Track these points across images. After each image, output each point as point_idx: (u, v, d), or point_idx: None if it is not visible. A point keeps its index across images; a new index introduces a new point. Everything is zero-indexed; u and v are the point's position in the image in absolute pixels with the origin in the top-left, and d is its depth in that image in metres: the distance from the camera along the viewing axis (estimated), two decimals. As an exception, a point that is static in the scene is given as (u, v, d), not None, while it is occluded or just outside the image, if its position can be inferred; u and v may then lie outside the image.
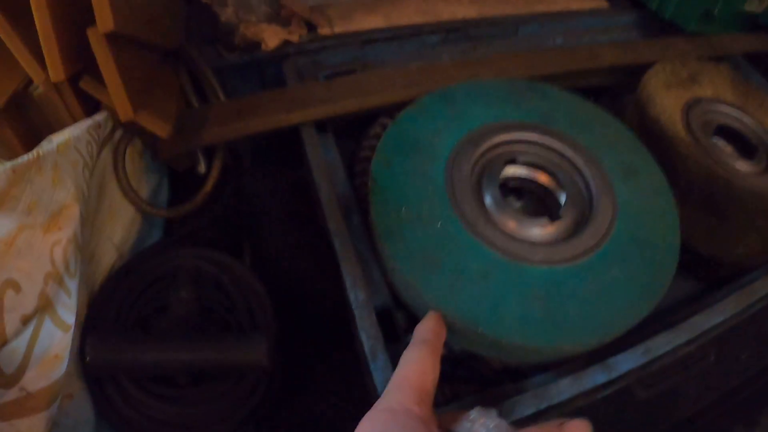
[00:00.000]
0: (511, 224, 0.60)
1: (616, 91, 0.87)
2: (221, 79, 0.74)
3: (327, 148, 0.69)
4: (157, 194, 0.74)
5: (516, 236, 0.59)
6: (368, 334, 0.55)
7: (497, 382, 0.61)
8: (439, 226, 0.57)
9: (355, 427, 0.43)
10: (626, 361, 0.57)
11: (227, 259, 0.66)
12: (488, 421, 0.44)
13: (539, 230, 0.60)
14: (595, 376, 0.56)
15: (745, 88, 0.84)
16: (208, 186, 0.70)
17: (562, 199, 0.64)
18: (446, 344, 0.59)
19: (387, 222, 0.58)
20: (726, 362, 0.78)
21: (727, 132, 0.79)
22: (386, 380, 0.53)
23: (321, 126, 0.70)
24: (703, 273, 0.76)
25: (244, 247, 0.73)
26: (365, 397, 0.65)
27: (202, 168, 0.71)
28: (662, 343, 0.59)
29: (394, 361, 0.55)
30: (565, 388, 0.54)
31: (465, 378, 0.65)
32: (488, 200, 0.61)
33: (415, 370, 0.46)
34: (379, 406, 0.44)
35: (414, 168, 0.62)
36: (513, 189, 0.67)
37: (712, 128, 0.78)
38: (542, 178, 0.67)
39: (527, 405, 0.53)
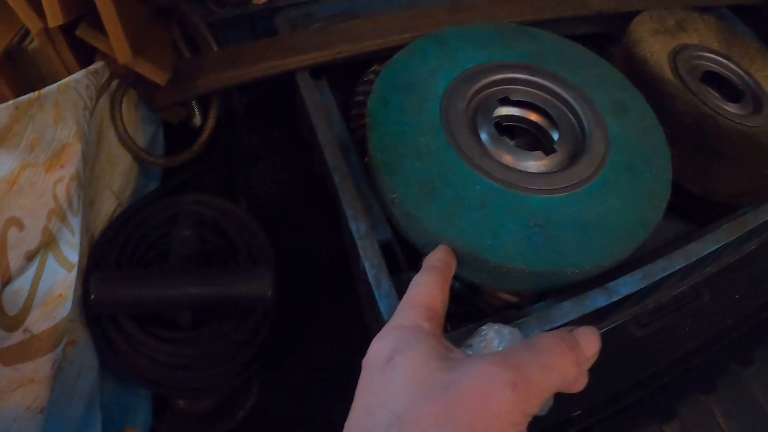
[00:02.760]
0: (507, 158, 0.60)
1: (604, 41, 0.89)
2: (213, 34, 0.74)
3: (322, 92, 0.69)
4: (153, 145, 0.74)
5: (513, 168, 0.60)
6: (372, 263, 0.55)
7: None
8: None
9: (354, 367, 0.42)
10: (625, 285, 0.58)
11: (225, 203, 0.66)
12: (502, 328, 0.44)
13: (535, 163, 0.61)
14: (596, 300, 0.56)
15: (731, 37, 0.86)
16: (205, 135, 0.70)
17: (555, 136, 0.65)
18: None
19: (386, 156, 0.59)
20: (720, 302, 0.80)
21: (713, 78, 0.81)
22: (392, 308, 0.54)
23: (315, 74, 0.71)
24: (694, 213, 0.77)
25: (240, 195, 0.73)
26: (365, 338, 0.66)
27: (197, 119, 0.71)
28: (659, 269, 0.59)
29: (399, 290, 0.55)
30: (568, 310, 0.55)
31: (468, 315, 0.66)
32: (484, 136, 0.62)
33: (423, 291, 0.46)
34: (389, 325, 0.43)
35: (410, 105, 0.62)
36: (507, 129, 0.68)
37: (698, 74, 0.79)
38: (535, 116, 0.67)
39: (530, 326, 0.54)
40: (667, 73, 0.75)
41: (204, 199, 0.66)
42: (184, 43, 0.74)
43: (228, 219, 0.65)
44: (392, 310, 0.53)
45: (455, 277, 0.57)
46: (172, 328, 0.61)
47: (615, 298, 0.57)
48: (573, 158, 0.63)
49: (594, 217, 0.58)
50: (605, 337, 0.72)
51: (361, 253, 0.56)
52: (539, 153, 0.61)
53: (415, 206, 0.55)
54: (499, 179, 0.58)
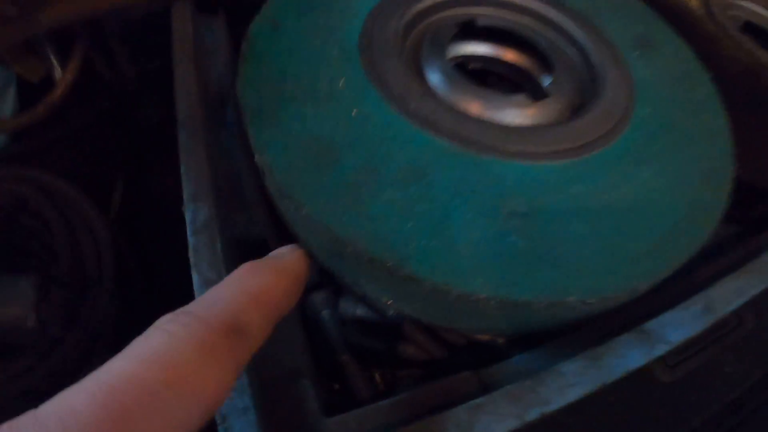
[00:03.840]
0: (466, 103, 0.27)
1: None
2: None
3: (212, 30, 0.37)
4: (-5, 107, 0.43)
5: (475, 118, 0.26)
6: (204, 277, 0.22)
7: (455, 367, 0.28)
8: (340, 85, 0.25)
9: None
10: (677, 325, 0.24)
11: (58, 183, 0.34)
12: None
13: (514, 112, 0.27)
14: (627, 355, 0.23)
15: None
16: (57, 93, 0.38)
17: (547, 82, 0.32)
18: (376, 306, 0.28)
19: (257, 97, 0.26)
20: (768, 328, 0.44)
21: (756, 32, 0.46)
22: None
23: (207, 6, 0.38)
24: (734, 210, 0.42)
25: (116, 184, 0.41)
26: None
27: (58, 73, 0.40)
28: (731, 293, 0.25)
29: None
30: (575, 378, 0.22)
31: (408, 360, 0.32)
32: (434, 76, 0.29)
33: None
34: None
35: (313, 28, 0.30)
36: (473, 74, 0.35)
37: (738, 24, 0.44)
38: (514, 56, 0.34)
39: (502, 415, 0.20)
40: (701, 10, 0.40)
41: (29, 177, 0.34)
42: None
43: (57, 207, 0.33)
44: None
45: (373, 292, 0.24)
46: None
47: (660, 351, 0.23)
48: (576, 110, 0.29)
49: (617, 202, 0.24)
50: (617, 390, 0.38)
51: (191, 256, 0.22)
52: (521, 97, 0.27)
53: (292, 178, 0.22)
54: (449, 133, 0.24)
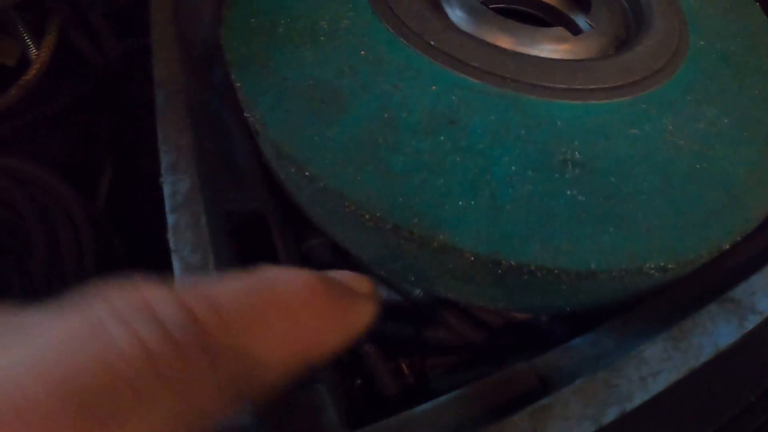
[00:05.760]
0: (496, 40, 0.21)
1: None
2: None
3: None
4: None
5: (510, 52, 0.20)
6: (186, 264, 0.16)
7: (494, 351, 0.23)
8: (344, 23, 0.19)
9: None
10: None
11: (38, 172, 0.28)
12: None
13: (553, 48, 0.21)
14: (714, 330, 0.17)
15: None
16: (31, 74, 0.33)
17: (583, 22, 0.25)
18: (399, 286, 0.23)
19: (247, 45, 0.20)
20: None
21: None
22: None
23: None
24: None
25: (104, 168, 0.35)
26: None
27: (33, 53, 0.34)
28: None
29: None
30: (658, 365, 0.15)
31: (439, 345, 0.26)
32: (454, 12, 0.23)
33: None
34: None
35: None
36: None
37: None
38: (541, -7, 0.28)
39: (574, 419, 0.14)
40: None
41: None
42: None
43: (32, 196, 0.27)
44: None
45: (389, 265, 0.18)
46: None
47: (752, 323, 0.17)
48: (622, 43, 0.22)
49: (687, 146, 0.18)
50: (707, 370, 0.32)
51: (170, 240, 0.16)
52: (560, 30, 0.21)
53: (290, 134, 0.16)
54: (481, 69, 0.18)
